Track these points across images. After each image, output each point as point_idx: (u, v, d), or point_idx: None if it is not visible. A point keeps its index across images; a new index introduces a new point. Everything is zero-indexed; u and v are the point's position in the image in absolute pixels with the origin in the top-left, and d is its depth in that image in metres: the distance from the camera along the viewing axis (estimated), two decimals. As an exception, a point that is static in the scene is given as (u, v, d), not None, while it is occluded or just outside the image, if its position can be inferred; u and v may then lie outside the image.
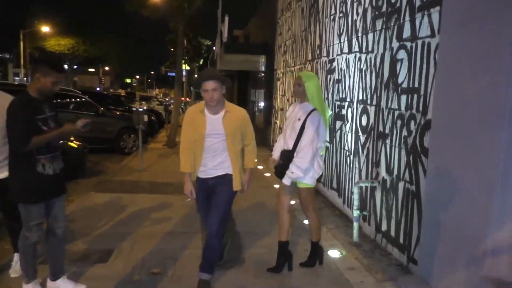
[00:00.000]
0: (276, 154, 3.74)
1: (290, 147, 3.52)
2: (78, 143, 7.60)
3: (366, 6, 4.95)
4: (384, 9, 4.45)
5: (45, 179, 2.97)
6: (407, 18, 3.94)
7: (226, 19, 15.03)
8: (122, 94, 25.42)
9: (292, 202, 3.61)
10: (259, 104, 15.48)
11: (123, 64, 47.87)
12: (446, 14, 3.33)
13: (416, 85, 3.74)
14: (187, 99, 32.56)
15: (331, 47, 6.30)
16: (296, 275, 3.66)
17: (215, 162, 3.23)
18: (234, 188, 3.26)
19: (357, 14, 5.25)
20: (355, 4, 5.34)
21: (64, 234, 3.24)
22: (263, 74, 14.37)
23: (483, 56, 2.89)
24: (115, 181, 7.14)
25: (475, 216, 2.91)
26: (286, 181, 3.50)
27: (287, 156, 3.51)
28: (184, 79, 20.55)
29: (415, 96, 3.75)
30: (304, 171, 3.46)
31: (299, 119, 3.51)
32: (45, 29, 31.66)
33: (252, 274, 3.64)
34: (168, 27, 21.62)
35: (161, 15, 12.48)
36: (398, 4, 4.13)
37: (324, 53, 6.65)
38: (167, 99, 36.23)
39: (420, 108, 3.66)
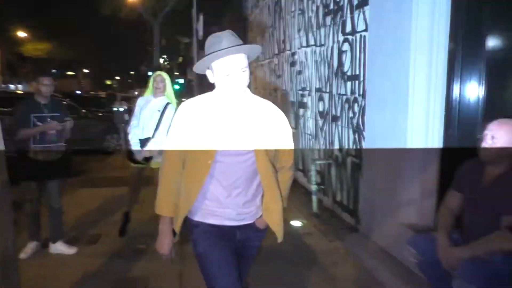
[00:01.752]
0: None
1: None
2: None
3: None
4: None
5: (37, 164, 3.66)
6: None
7: (201, 18, 15.47)
8: (103, 96, 25.56)
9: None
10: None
11: (102, 66, 47.75)
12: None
13: None
14: None
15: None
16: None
17: (244, 198, 1.91)
18: (279, 239, 2.07)
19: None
20: None
21: (60, 209, 3.92)
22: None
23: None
24: (101, 178, 7.61)
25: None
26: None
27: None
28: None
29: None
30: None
31: (158, 110, 4.02)
32: (21, 34, 31.49)
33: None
34: (145, 27, 22.00)
35: (137, 15, 12.87)
36: None
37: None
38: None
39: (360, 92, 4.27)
